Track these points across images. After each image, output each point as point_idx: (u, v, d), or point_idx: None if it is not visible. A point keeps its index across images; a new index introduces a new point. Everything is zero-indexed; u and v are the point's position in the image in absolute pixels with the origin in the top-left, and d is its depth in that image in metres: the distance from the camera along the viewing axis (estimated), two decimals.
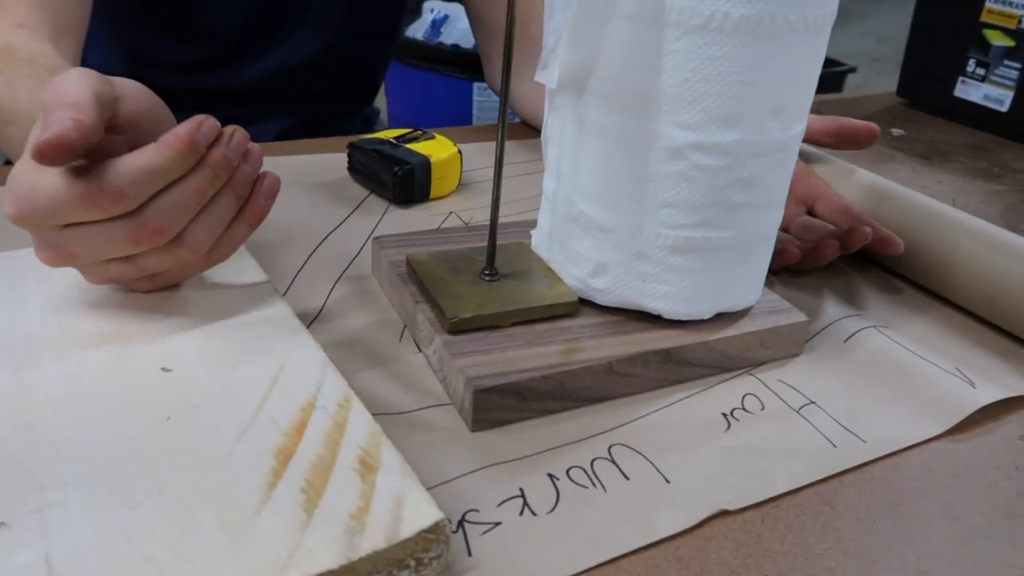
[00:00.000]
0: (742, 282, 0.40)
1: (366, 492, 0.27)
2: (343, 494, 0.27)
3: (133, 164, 0.30)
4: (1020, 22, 0.81)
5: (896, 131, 0.85)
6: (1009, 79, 0.83)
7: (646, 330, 0.39)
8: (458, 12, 1.58)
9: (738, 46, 0.33)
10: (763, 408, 0.38)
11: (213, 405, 0.31)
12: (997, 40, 0.83)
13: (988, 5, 0.83)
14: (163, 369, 0.33)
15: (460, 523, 0.30)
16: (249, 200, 0.34)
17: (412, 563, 0.26)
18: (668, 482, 0.33)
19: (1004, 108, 0.84)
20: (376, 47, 0.83)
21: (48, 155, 0.28)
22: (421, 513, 0.27)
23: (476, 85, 1.55)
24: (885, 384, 0.40)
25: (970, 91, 0.87)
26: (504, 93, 0.37)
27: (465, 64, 1.54)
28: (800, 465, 0.35)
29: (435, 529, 0.27)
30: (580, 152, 0.38)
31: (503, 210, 0.57)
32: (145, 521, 0.26)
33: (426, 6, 1.60)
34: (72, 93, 0.30)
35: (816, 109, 0.42)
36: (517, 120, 0.78)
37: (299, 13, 0.75)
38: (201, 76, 0.76)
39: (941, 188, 0.70)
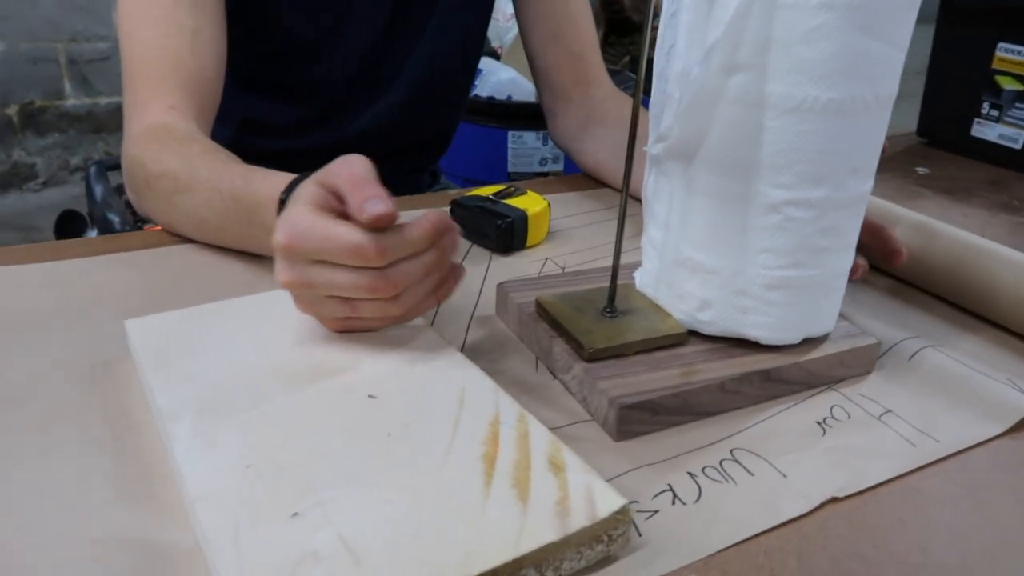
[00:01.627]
0: (823, 312, 0.48)
1: (562, 485, 0.35)
2: (545, 488, 0.35)
3: (399, 232, 0.39)
4: None
5: (921, 169, 0.93)
6: (1021, 120, 0.92)
7: (746, 354, 0.47)
8: (492, 67, 1.68)
9: (825, 122, 0.41)
10: (849, 417, 0.46)
11: (419, 423, 0.39)
12: (1008, 85, 0.92)
13: (999, 54, 0.92)
14: (370, 396, 0.41)
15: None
16: (445, 280, 0.43)
17: (606, 539, 0.34)
18: (785, 477, 0.40)
19: (1018, 146, 0.93)
20: (452, 104, 0.92)
21: (383, 222, 0.38)
22: (610, 500, 0.34)
23: (510, 134, 1.64)
24: (949, 394, 0.48)
25: (986, 131, 0.95)
26: (626, 181, 0.45)
27: (499, 115, 1.64)
28: (889, 462, 0.42)
29: (622, 512, 0.34)
30: (688, 208, 0.46)
31: (589, 255, 0.65)
32: (402, 511, 0.33)
33: None
34: (364, 173, 0.40)
35: None
36: (580, 172, 0.86)
37: (390, 75, 0.84)
38: (298, 137, 0.85)
39: (968, 222, 0.77)
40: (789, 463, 0.41)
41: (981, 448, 0.44)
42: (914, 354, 0.52)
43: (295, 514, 0.33)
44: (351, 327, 0.45)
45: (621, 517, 0.34)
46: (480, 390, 0.42)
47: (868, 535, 0.37)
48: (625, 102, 0.83)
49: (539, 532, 0.32)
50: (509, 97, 1.63)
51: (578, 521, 0.33)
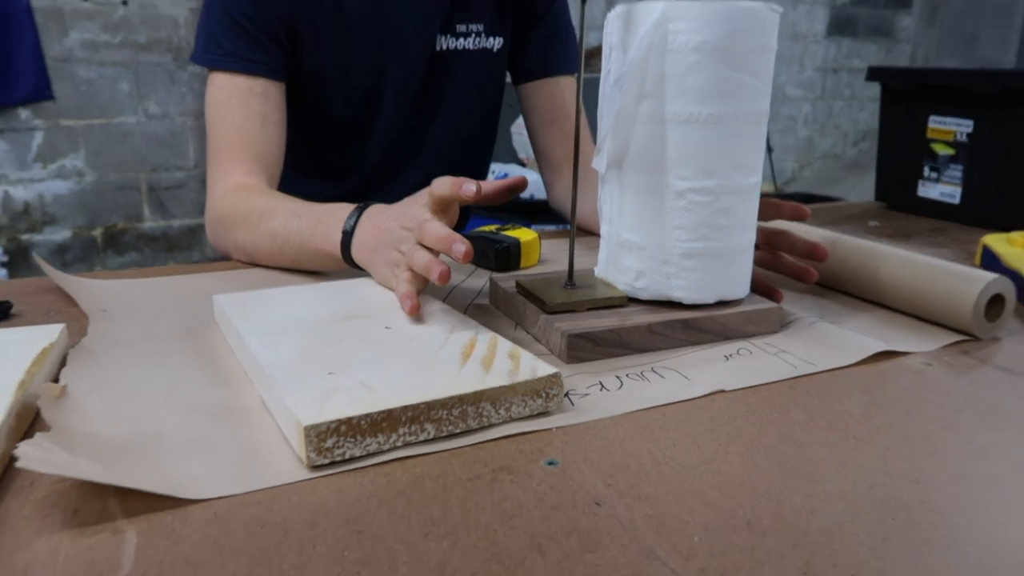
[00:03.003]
0: (732, 279, 0.63)
1: (515, 364, 0.50)
2: (503, 364, 0.50)
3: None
4: (956, 136, 1.06)
5: (872, 223, 1.08)
6: (956, 178, 1.07)
7: (672, 311, 0.62)
8: (517, 171, 1.90)
9: (709, 130, 0.58)
10: (751, 354, 0.60)
11: (419, 340, 0.54)
12: (942, 150, 1.08)
13: (931, 125, 1.09)
14: (386, 328, 0.57)
15: (566, 394, 0.52)
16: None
17: (544, 395, 0.48)
18: (688, 379, 0.54)
19: (956, 200, 1.08)
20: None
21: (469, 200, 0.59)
22: (547, 370, 0.49)
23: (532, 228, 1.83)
24: (832, 344, 0.62)
25: (929, 190, 1.11)
26: (574, 186, 0.62)
27: (523, 210, 1.84)
28: (773, 374, 0.56)
29: (556, 376, 0.49)
30: (623, 203, 0.63)
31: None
32: (403, 371, 0.48)
33: (491, 167, 1.93)
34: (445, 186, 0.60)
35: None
36: None
37: (413, 158, 1.04)
38: None
39: None
40: (694, 372, 0.56)
41: (849, 370, 0.57)
42: (812, 323, 0.66)
43: (330, 373, 0.48)
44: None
45: (555, 380, 0.49)
46: (466, 326, 0.57)
47: (744, 408, 0.51)
48: None
49: (495, 380, 0.47)
50: (532, 196, 1.84)
51: (523, 377, 0.48)
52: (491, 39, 1.03)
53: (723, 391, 0.53)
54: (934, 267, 0.67)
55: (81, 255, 2.75)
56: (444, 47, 1.00)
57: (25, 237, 2.65)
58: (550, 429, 0.47)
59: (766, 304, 0.64)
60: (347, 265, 0.71)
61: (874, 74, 1.15)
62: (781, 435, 0.47)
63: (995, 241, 0.83)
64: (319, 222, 0.73)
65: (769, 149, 3.91)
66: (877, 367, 0.58)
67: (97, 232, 2.78)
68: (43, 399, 0.46)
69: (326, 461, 0.42)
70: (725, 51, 0.57)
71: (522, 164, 2.05)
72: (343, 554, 0.36)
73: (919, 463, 0.45)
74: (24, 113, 2.55)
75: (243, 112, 0.88)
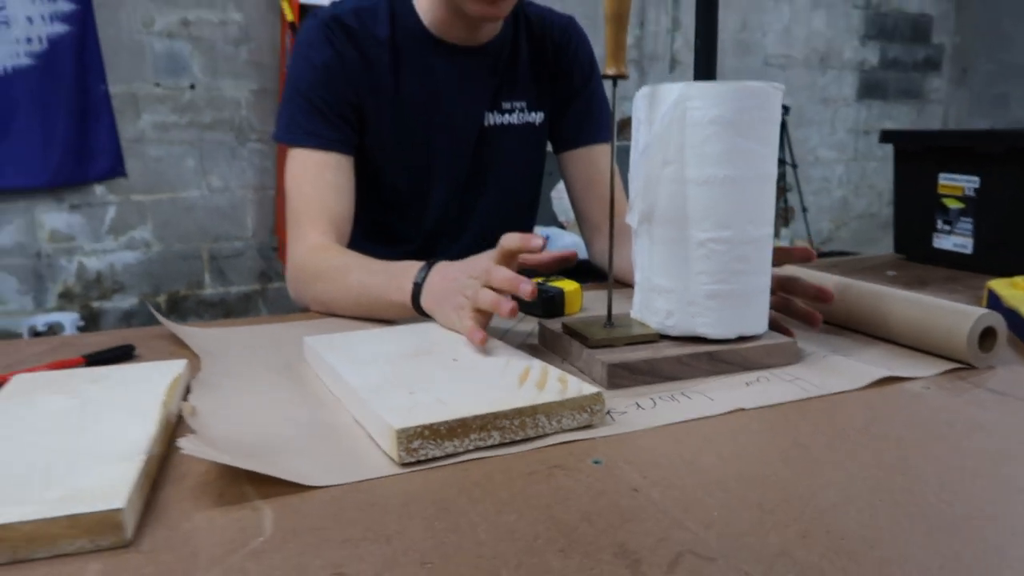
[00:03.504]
0: (750, 316, 0.72)
1: (564, 386, 0.60)
2: (554, 386, 0.60)
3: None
4: (964, 191, 1.15)
5: (890, 273, 1.17)
6: (967, 230, 1.15)
7: (698, 345, 0.71)
8: (558, 234, 2.02)
9: (724, 190, 0.68)
10: (769, 381, 0.69)
11: (484, 367, 0.64)
12: (952, 204, 1.17)
13: (941, 181, 1.18)
14: (453, 359, 0.67)
15: (608, 412, 0.61)
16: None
17: (589, 410, 0.58)
18: (712, 400, 0.63)
19: (969, 251, 1.16)
20: None
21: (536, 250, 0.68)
22: (592, 391, 0.59)
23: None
24: (841, 371, 0.70)
25: (943, 241, 1.19)
26: (611, 243, 0.73)
27: (564, 270, 1.95)
28: (787, 396, 0.65)
29: (599, 395, 0.58)
30: (653, 252, 0.73)
31: None
32: (477, 391, 0.58)
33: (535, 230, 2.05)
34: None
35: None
36: None
37: (465, 222, 1.16)
38: None
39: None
40: (718, 395, 0.65)
41: (854, 393, 0.66)
42: (825, 356, 0.75)
43: (411, 392, 0.58)
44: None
45: (598, 398, 0.58)
46: (521, 357, 0.68)
47: (759, 422, 0.60)
48: None
49: (548, 397, 0.57)
50: None
51: (571, 395, 0.58)
52: (533, 114, 1.15)
53: (743, 409, 0.62)
54: (934, 305, 0.75)
55: (146, 320, 2.92)
56: (492, 123, 1.12)
57: (96, 304, 2.83)
58: (595, 438, 0.57)
59: (783, 339, 0.73)
60: (416, 313, 0.82)
61: (886, 137, 1.25)
62: (791, 441, 0.56)
63: (999, 285, 0.91)
64: (392, 276, 0.84)
65: (804, 209, 3.99)
66: (881, 390, 0.66)
67: (161, 299, 2.95)
68: (184, 414, 0.57)
69: (413, 460, 0.52)
70: (735, 124, 0.67)
71: (562, 226, 2.17)
72: (434, 524, 0.45)
73: (908, 461, 0.53)
74: (99, 189, 2.76)
75: (319, 182, 1.01)
